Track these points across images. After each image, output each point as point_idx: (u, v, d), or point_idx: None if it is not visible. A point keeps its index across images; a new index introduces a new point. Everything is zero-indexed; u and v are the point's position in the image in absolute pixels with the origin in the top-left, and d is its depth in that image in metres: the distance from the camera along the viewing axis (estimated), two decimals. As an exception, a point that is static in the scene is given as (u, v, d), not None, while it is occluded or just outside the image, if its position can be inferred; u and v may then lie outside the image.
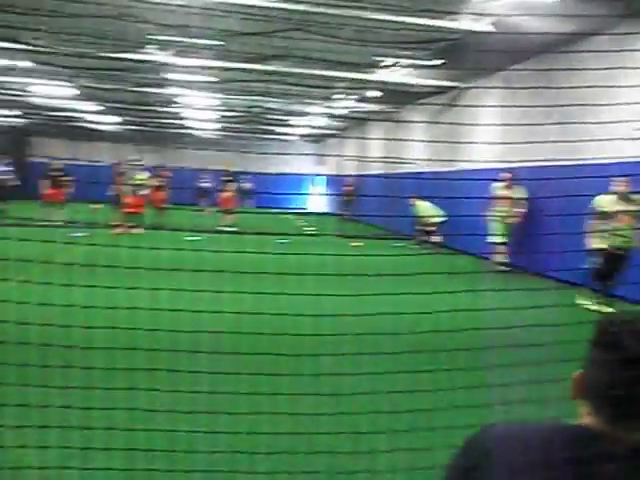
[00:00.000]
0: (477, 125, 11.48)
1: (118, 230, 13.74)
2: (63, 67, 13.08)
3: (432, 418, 2.99)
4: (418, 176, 14.15)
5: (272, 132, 25.11)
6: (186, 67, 12.84)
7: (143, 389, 2.61)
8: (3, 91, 17.58)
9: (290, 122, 22.26)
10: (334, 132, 25.62)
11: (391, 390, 3.02)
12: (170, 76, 14.10)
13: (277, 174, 21.27)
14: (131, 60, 11.88)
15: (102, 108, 20.39)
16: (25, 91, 17.52)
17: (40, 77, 15.04)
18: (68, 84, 15.82)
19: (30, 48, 11.35)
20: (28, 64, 13.37)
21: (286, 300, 3.91)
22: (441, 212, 13.24)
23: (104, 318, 3.12)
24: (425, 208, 13.59)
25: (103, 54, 11.29)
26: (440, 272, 6.47)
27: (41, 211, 15.06)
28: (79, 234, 10.03)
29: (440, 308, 3.74)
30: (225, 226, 15.33)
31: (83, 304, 2.64)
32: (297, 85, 13.81)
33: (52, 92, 17.57)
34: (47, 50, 11.38)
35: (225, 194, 16.89)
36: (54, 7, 8.57)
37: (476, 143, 9.14)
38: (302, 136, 28.05)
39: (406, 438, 2.84)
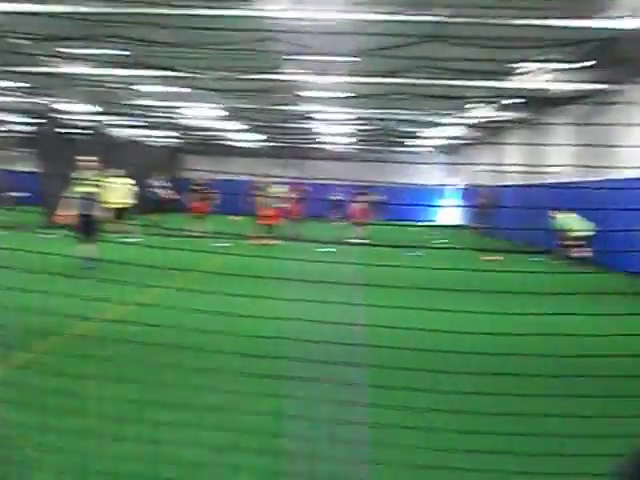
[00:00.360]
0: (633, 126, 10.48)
1: (256, 241, 14.48)
2: (212, 90, 14.13)
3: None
4: (562, 186, 13.24)
5: (405, 144, 25.02)
6: (322, 84, 13.27)
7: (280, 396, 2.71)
8: (160, 114, 19.46)
9: (423, 133, 22.03)
10: (468, 142, 24.88)
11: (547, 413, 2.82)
12: (306, 93, 14.65)
13: (406, 185, 21.06)
14: (271, 80, 12.55)
15: (245, 127, 21.76)
16: (178, 113, 19.22)
17: (191, 100, 16.42)
18: (216, 105, 17.08)
19: (184, 75, 12.42)
20: (182, 89, 14.68)
21: (420, 315, 3.84)
22: (589, 225, 12.17)
23: (245, 326, 3.28)
24: (569, 221, 12.59)
25: (248, 76, 12.03)
26: (582, 292, 5.96)
27: (189, 223, 16.34)
28: (221, 244, 10.75)
29: (584, 329, 3.44)
30: (357, 238, 15.51)
31: (228, 310, 2.80)
32: (431, 97, 13.63)
33: (201, 113, 19.09)
34: (198, 75, 12.38)
35: (357, 206, 17.11)
36: (206, 38, 9.31)
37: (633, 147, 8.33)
38: (435, 147, 27.63)
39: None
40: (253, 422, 2.85)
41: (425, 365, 3.12)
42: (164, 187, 19.29)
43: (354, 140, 25.13)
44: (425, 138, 23.58)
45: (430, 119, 18.32)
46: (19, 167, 18.68)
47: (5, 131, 23.73)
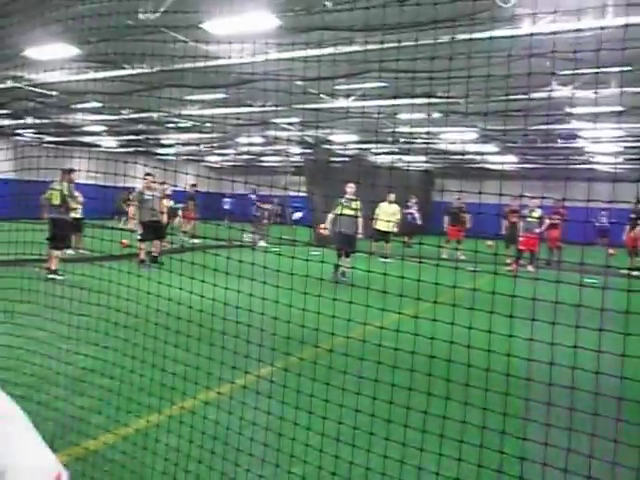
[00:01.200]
0: None
1: (510, 267, 13.84)
2: (468, 114, 14.10)
3: None
4: None
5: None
6: (590, 99, 12.15)
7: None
8: (416, 140, 20.13)
9: None
10: None
11: None
12: (573, 110, 13.57)
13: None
14: (534, 99, 11.97)
15: (498, 149, 21.15)
16: (433, 138, 19.62)
17: (448, 124, 16.61)
18: (470, 129, 16.98)
19: (440, 101, 12.65)
20: (438, 115, 14.97)
21: None
22: None
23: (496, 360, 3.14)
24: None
25: (507, 97, 11.67)
26: None
27: (443, 246, 16.39)
28: (473, 269, 10.44)
29: None
30: (635, 269, 13.65)
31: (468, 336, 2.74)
32: None
33: (455, 137, 19.15)
34: (455, 100, 12.48)
35: (633, 232, 15.20)
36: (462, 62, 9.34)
37: None
38: None
39: None
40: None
41: None
42: (418, 210, 19.80)
43: (624, 159, 22.32)
44: None
45: None
46: (294, 192, 21.18)
47: (285, 160, 27.25)
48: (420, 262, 2.81)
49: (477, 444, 2.59)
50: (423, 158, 25.28)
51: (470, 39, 7.00)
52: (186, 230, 18.17)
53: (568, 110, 13.61)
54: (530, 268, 13.87)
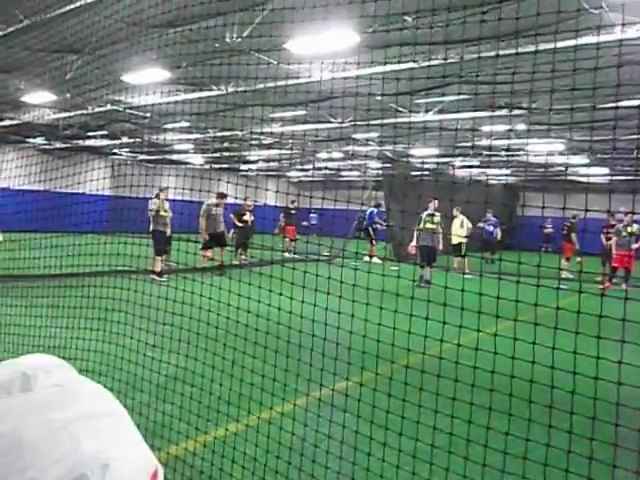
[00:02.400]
0: None
1: (603, 285, 13.05)
2: (552, 125, 13.56)
3: None
4: None
5: None
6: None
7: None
8: (500, 152, 19.56)
9: None
10: None
11: None
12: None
13: None
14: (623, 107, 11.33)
15: (588, 160, 20.12)
16: (518, 150, 18.98)
17: (532, 136, 16.03)
18: (557, 140, 16.29)
19: (523, 112, 12.26)
20: (523, 126, 14.50)
21: None
22: None
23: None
24: None
25: (596, 106, 11.13)
26: None
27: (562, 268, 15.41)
28: (564, 287, 9.92)
29: None
30: None
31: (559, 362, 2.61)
32: None
33: (543, 149, 18.42)
34: (540, 111, 12.04)
35: None
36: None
37: None
38: None
39: None
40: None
41: None
42: (496, 225, 18.92)
43: None
44: None
45: None
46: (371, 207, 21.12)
47: (363, 175, 27.33)
48: (499, 278, 2.72)
49: (563, 468, 2.46)
50: (507, 171, 24.51)
51: (554, 50, 6.75)
52: (286, 248, 18.18)
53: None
54: (624, 287, 12.99)
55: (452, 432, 2.84)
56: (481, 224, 18.14)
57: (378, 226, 18.43)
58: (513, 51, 7.60)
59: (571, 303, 2.70)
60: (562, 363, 2.57)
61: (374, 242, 18.02)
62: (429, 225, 12.43)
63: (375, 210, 18.48)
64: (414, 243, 12.70)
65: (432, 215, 12.47)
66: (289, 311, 3.48)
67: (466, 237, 15.38)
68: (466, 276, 12.20)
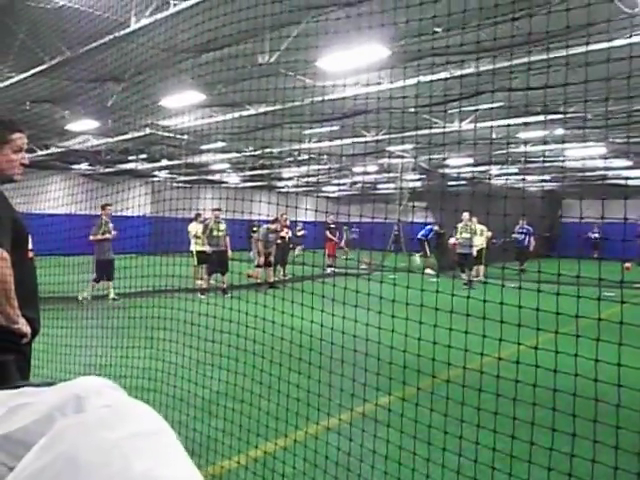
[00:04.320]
0: None
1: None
2: (595, 128, 13.27)
3: None
4: None
5: None
6: None
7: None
8: (539, 159, 19.19)
9: None
10: None
11: None
12: None
13: None
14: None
15: (631, 163, 19.54)
16: (558, 156, 18.60)
17: (573, 140, 15.73)
18: (598, 144, 15.92)
19: (561, 117, 12.04)
20: (561, 131, 14.25)
21: None
22: None
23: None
24: None
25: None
26: None
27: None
28: (610, 293, 9.59)
29: None
30: None
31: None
32: None
33: (582, 154, 18.00)
34: (578, 115, 11.82)
35: None
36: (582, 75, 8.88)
37: None
38: None
39: None
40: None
41: None
42: (529, 234, 18.35)
43: None
44: None
45: None
46: (411, 219, 20.94)
47: (401, 187, 27.24)
48: (539, 290, 2.70)
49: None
50: (546, 177, 24.00)
51: (587, 51, 6.66)
52: (327, 263, 18.15)
53: None
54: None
55: (495, 447, 2.82)
56: (515, 234, 17.82)
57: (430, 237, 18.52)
58: (545, 57, 7.52)
59: (615, 314, 2.67)
60: (606, 375, 2.53)
61: (428, 255, 18.28)
62: (465, 234, 14.43)
63: (430, 225, 18.52)
64: (453, 240, 14.84)
65: (467, 225, 14.41)
66: (330, 327, 3.53)
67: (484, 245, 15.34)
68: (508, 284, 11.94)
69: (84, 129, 15.36)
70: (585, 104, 10.10)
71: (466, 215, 14.28)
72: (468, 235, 14.33)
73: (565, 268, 2.80)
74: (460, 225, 14.41)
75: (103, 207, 10.65)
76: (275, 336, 4.03)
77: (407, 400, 3.34)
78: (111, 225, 10.94)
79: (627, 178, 22.54)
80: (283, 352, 3.95)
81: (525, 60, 8.15)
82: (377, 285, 3.61)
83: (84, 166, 23.02)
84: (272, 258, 13.77)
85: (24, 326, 2.35)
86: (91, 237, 10.77)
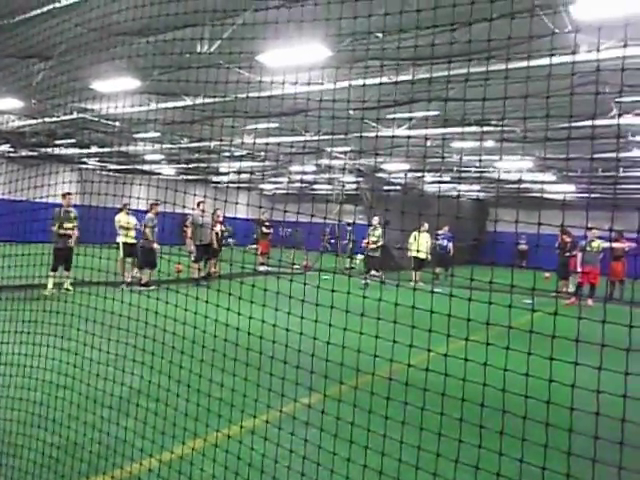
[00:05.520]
0: None
1: (569, 301, 13.34)
2: (524, 142, 13.85)
3: None
4: None
5: None
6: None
7: None
8: (469, 168, 19.88)
9: None
10: None
11: None
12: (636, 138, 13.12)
13: None
14: (595, 126, 11.61)
15: (555, 178, 20.63)
16: (487, 167, 19.32)
17: (502, 153, 16.36)
18: (527, 157, 16.66)
19: (494, 129, 12.50)
20: (491, 144, 14.78)
21: None
22: None
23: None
24: None
25: (562, 125, 11.41)
26: None
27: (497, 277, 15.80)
28: (529, 301, 10.01)
29: None
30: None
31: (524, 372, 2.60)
32: None
33: (511, 166, 18.80)
34: (509, 129, 12.29)
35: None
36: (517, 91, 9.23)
37: None
38: None
39: None
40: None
41: None
42: (450, 240, 18.78)
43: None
44: None
45: None
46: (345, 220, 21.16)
47: (337, 189, 27.44)
48: (451, 295, 2.70)
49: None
50: (477, 187, 24.92)
51: (528, 66, 6.90)
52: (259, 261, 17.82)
53: (631, 138, 13.18)
54: (590, 302, 13.23)
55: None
56: (436, 239, 18.06)
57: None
58: (484, 69, 7.74)
59: (528, 321, 2.72)
60: (515, 385, 2.56)
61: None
62: (372, 238, 15.64)
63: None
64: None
65: (375, 229, 15.56)
66: (262, 321, 3.43)
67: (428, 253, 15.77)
68: (436, 289, 12.26)
69: (6, 108, 14.44)
70: (524, 119, 10.49)
71: (376, 219, 15.86)
72: (375, 238, 15.64)
73: (488, 275, 2.82)
74: (370, 229, 15.80)
75: (64, 196, 10.67)
76: (203, 331, 3.83)
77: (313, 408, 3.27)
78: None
79: (555, 192, 23.73)
80: (206, 347, 3.78)
81: (464, 71, 8.37)
82: (312, 283, 3.49)
83: (5, 147, 21.70)
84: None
85: None
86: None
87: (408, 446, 2.77)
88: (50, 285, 10.50)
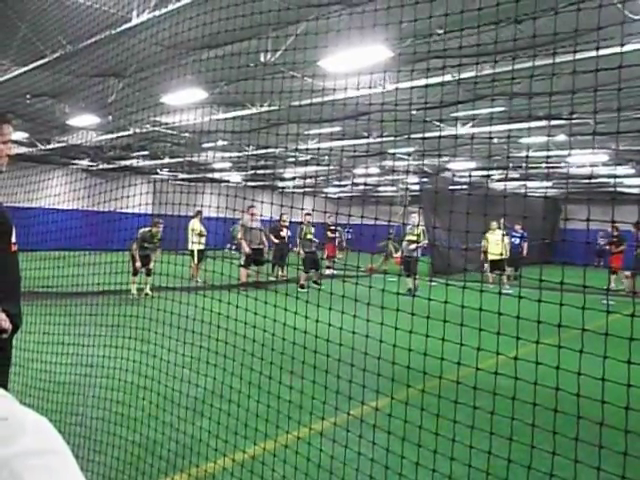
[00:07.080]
0: None
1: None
2: (600, 134, 13.23)
3: None
4: None
5: None
6: None
7: None
8: (540, 164, 19.16)
9: None
10: None
11: None
12: None
13: None
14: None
15: (633, 171, 19.50)
16: (559, 162, 18.55)
17: (575, 146, 15.67)
18: (601, 150, 15.88)
19: (564, 123, 12.01)
20: (563, 137, 14.20)
21: None
22: None
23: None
24: None
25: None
26: None
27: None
28: (610, 302, 9.54)
29: None
30: None
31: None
32: None
33: (585, 160, 17.96)
34: (581, 121, 11.78)
35: None
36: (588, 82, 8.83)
37: None
38: None
39: None
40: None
41: None
42: (522, 238, 18.03)
43: None
44: None
45: None
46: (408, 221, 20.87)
47: (401, 189, 27.21)
48: (520, 297, 2.63)
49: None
50: (548, 184, 23.95)
51: (597, 56, 6.60)
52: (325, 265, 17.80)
53: None
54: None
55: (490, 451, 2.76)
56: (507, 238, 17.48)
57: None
58: (550, 61, 7.47)
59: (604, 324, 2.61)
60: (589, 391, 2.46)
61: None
62: (410, 237, 13.74)
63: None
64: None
65: (413, 227, 13.67)
66: (330, 324, 3.47)
67: (504, 252, 15.19)
68: (505, 290, 11.87)
69: (85, 124, 15.33)
70: (594, 112, 10.05)
71: (415, 217, 14.60)
72: (413, 238, 13.64)
73: (561, 275, 2.71)
74: (407, 228, 14.00)
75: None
76: (272, 334, 3.93)
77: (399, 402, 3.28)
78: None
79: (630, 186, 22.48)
80: (275, 351, 3.88)
81: (529, 65, 8.11)
82: (367, 288, 3.51)
83: (85, 162, 23.01)
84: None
85: (4, 321, 2.28)
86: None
87: (478, 451, 2.73)
88: (134, 290, 11.01)
